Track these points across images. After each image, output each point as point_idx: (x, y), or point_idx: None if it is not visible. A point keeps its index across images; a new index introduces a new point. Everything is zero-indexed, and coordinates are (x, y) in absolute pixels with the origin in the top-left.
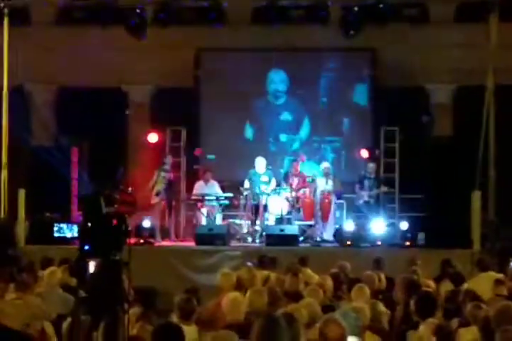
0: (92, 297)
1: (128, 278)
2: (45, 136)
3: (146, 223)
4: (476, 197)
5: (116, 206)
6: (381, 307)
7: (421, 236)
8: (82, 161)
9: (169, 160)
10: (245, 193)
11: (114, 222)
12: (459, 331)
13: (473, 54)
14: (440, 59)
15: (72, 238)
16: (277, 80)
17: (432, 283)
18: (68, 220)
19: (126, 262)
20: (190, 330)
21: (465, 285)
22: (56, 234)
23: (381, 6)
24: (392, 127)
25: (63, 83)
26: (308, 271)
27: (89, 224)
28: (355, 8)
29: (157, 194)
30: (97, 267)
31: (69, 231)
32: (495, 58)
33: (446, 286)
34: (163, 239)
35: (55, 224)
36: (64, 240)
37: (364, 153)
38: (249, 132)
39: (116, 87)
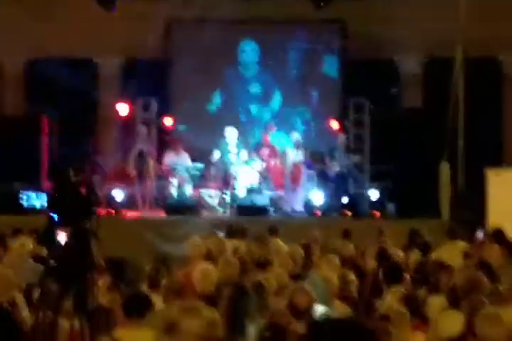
0: (61, 266)
1: (97, 247)
2: (14, 105)
3: (116, 193)
4: (445, 167)
5: (85, 176)
6: (350, 276)
7: (390, 206)
8: (52, 131)
9: (141, 130)
10: (215, 164)
11: (83, 191)
12: (427, 299)
13: (442, 26)
14: (409, 30)
15: (41, 207)
16: (248, 51)
17: (400, 253)
18: (37, 189)
19: (94, 231)
20: (159, 300)
21: (433, 255)
22: (25, 204)
23: None
24: (361, 98)
25: (33, 54)
26: (278, 240)
27: (58, 194)
28: None
29: (129, 164)
30: (66, 236)
31: (38, 200)
32: (464, 30)
33: (415, 255)
34: (133, 209)
35: (24, 194)
36: (33, 209)
37: (334, 124)
38: (219, 101)
39: (87, 59)
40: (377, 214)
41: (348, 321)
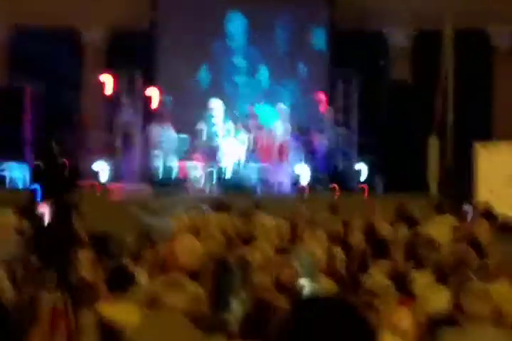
0: (43, 240)
1: (79, 221)
2: None
3: (101, 166)
4: (433, 142)
5: (68, 148)
6: (336, 251)
7: (378, 180)
8: (35, 103)
9: (126, 103)
10: (201, 136)
11: (66, 163)
12: (414, 275)
13: None
14: (398, 3)
15: (24, 180)
16: (235, 22)
17: (388, 227)
18: (20, 162)
19: (76, 204)
20: (142, 274)
21: (421, 229)
22: (7, 176)
23: None
24: (349, 71)
25: (16, 26)
26: (263, 214)
27: (41, 166)
28: None
29: (114, 137)
30: (48, 209)
31: (20, 172)
32: (452, 3)
33: (402, 230)
34: (117, 182)
35: (6, 166)
36: (15, 182)
37: (321, 97)
38: (205, 74)
39: (71, 30)
40: (365, 188)
41: (333, 299)
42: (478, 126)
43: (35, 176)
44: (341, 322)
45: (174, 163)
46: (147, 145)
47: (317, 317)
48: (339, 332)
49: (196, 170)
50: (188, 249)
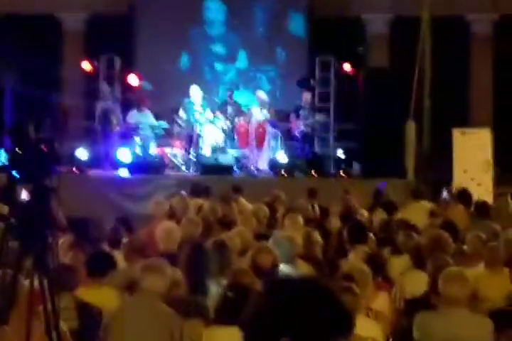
0: (21, 224)
1: (57, 205)
2: None
3: (79, 151)
4: (411, 127)
5: (46, 132)
6: (314, 236)
7: (355, 165)
8: (14, 88)
9: (105, 88)
10: (180, 122)
11: (44, 148)
12: (391, 259)
13: None
14: None
15: (1, 164)
16: (214, 9)
17: (365, 213)
18: None
19: (55, 189)
20: (121, 258)
21: (398, 215)
22: None
23: None
24: (327, 57)
25: None
26: (242, 199)
27: (18, 150)
28: None
29: (93, 122)
30: (26, 194)
31: None
32: None
33: (379, 215)
34: (96, 167)
35: None
36: None
37: (299, 83)
38: (185, 60)
39: (49, 15)
40: (343, 173)
41: (307, 280)
42: (455, 111)
43: (13, 160)
44: (315, 303)
45: (153, 149)
46: (126, 131)
47: (290, 297)
48: (312, 312)
49: (175, 156)
50: (167, 233)
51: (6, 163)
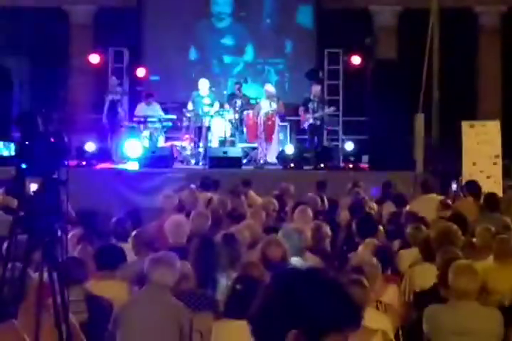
0: (30, 217)
1: (66, 198)
2: None
3: (88, 144)
4: (420, 119)
5: (55, 125)
6: (323, 228)
7: (364, 158)
8: (22, 81)
9: (113, 81)
10: (188, 115)
11: (52, 141)
12: (400, 252)
13: None
14: None
15: (10, 157)
16: (221, 1)
17: (374, 205)
18: (6, 139)
19: (63, 181)
20: (130, 252)
21: (407, 207)
22: None
23: None
24: (335, 49)
25: (1, 2)
26: (251, 192)
27: (27, 143)
28: None
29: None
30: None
31: (6, 149)
32: None
33: (389, 208)
34: (105, 161)
35: None
36: (1, 159)
37: (308, 74)
38: (193, 53)
39: (58, 8)
40: (352, 166)
41: (313, 271)
42: (463, 103)
43: (21, 153)
44: (323, 294)
45: (161, 142)
46: (135, 124)
47: (297, 288)
48: (320, 304)
49: (184, 149)
50: (176, 227)
51: (15, 155)
